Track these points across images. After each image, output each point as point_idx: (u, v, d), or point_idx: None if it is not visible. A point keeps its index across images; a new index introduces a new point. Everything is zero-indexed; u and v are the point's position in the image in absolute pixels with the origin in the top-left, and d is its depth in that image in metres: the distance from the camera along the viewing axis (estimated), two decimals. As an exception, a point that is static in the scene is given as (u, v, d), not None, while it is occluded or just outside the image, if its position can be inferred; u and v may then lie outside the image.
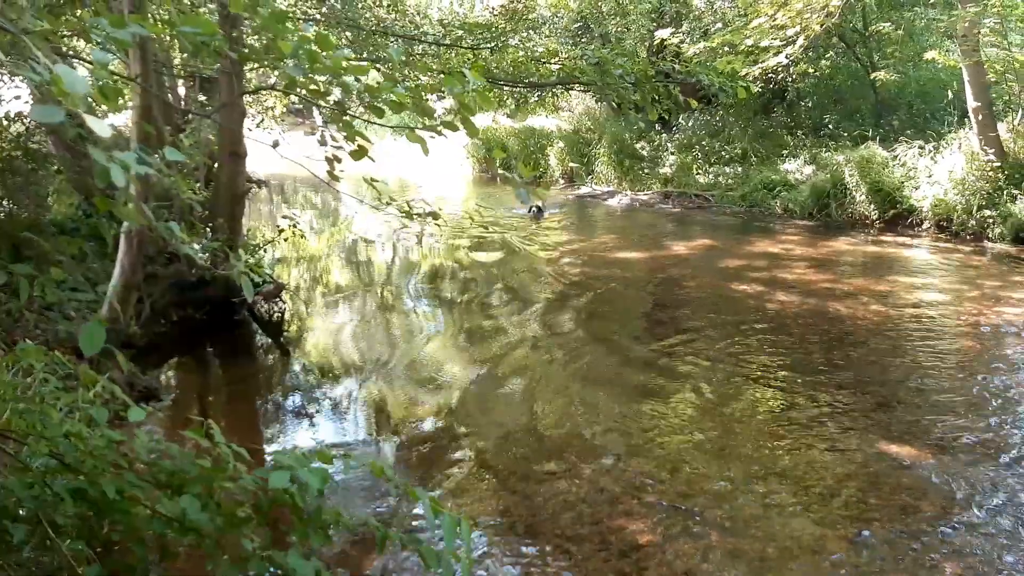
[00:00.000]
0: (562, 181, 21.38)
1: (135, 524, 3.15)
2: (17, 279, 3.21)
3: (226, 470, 3.32)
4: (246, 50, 8.49)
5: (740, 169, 18.05)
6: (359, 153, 3.57)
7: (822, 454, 5.95)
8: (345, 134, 3.51)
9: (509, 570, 4.56)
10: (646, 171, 19.42)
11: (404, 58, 9.89)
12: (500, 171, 22.82)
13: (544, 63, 9.67)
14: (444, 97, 12.02)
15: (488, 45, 10.52)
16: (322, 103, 3.50)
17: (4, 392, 3.22)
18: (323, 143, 3.89)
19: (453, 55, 10.76)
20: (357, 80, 3.26)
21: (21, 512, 3.14)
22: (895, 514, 5.04)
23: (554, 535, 4.89)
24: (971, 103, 13.45)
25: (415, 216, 3.85)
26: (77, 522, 3.06)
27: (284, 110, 15.54)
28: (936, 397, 6.94)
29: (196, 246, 8.68)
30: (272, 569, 3.14)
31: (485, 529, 4.89)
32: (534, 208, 17.02)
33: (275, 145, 5.46)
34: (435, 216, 3.83)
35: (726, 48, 13.73)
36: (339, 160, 3.91)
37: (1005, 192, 13.07)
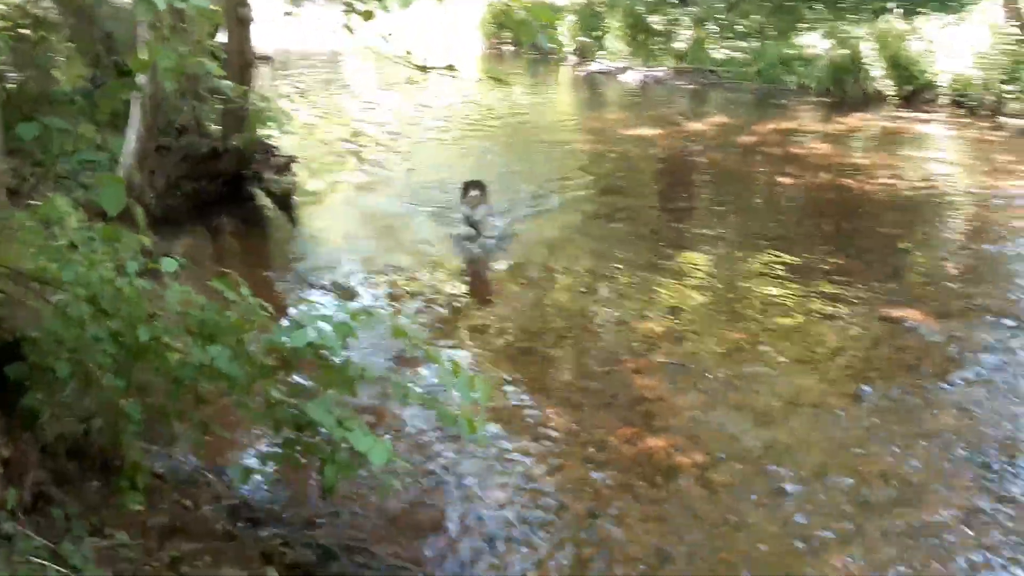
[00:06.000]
0: (573, 57, 20.93)
1: (168, 368, 3.30)
2: (50, 132, 3.27)
3: (254, 322, 3.44)
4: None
5: (756, 44, 17.61)
6: (369, 14, 3.54)
7: (827, 318, 6.09)
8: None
9: (522, 423, 4.76)
10: (659, 46, 18.96)
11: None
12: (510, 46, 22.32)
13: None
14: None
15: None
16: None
17: (35, 240, 3.32)
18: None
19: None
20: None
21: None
22: (896, 372, 5.22)
23: (566, 390, 5.10)
24: (997, -28, 13.01)
25: (428, 70, 3.84)
26: (114, 363, 3.19)
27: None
28: (943, 265, 7.05)
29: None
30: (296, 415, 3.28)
31: (499, 385, 5.07)
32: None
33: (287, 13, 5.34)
34: (451, 68, 3.83)
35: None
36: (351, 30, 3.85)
37: (1026, 66, 12.79)
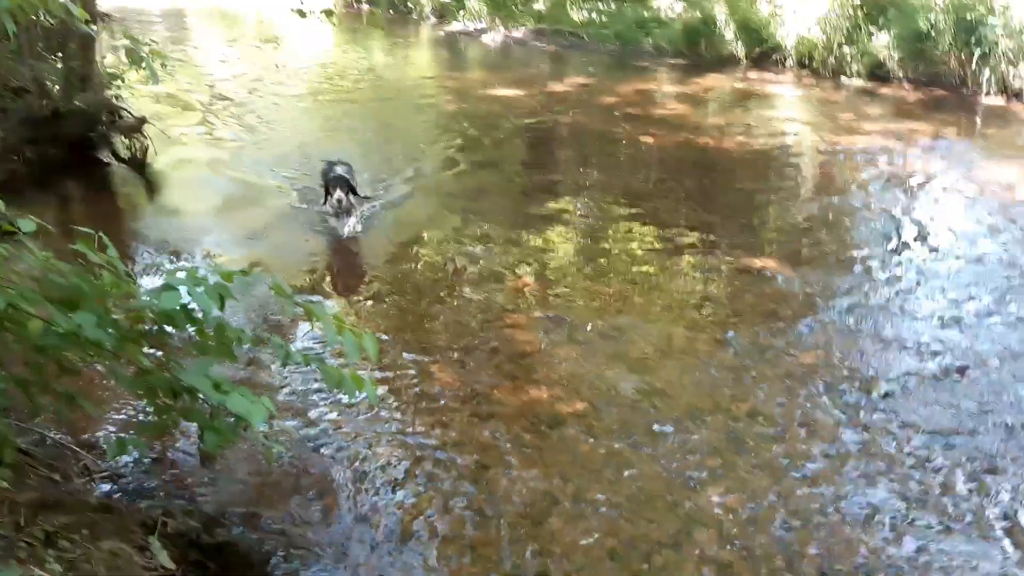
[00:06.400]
0: (433, 17, 20.70)
1: (30, 337, 3.10)
2: None
3: (120, 286, 3.27)
4: None
5: (614, 6, 17.90)
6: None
7: (691, 270, 6.35)
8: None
9: (405, 381, 4.75)
10: (520, 7, 18.99)
11: None
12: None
13: None
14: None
15: None
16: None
17: None
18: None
19: None
20: None
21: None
22: (758, 318, 5.50)
23: (448, 347, 5.12)
24: (835, -62, 13.68)
25: (308, 14, 3.73)
26: (-32, 335, 2.98)
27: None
28: (795, 217, 7.46)
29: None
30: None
31: (382, 345, 5.02)
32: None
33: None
34: (330, 14, 3.73)
35: None
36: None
37: (863, 29, 13.56)
